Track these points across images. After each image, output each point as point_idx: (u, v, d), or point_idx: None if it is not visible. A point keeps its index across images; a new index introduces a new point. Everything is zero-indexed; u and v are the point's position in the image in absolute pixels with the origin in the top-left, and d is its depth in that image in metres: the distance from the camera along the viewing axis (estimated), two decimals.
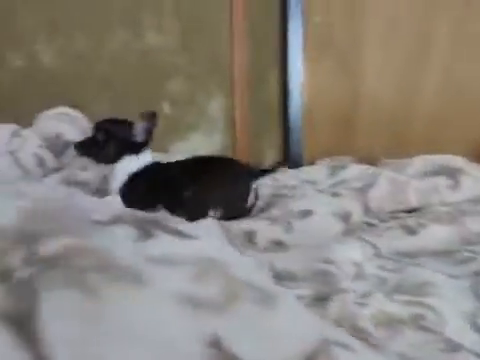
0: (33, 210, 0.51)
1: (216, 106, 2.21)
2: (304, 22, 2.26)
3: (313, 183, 1.67)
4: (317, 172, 1.75)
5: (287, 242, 1.19)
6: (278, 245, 1.18)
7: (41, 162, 1.67)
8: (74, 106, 1.97)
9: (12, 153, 1.64)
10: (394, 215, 1.42)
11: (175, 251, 0.50)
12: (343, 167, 1.69)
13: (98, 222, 0.52)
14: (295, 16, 2.23)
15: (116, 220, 0.53)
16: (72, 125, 1.83)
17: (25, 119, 1.90)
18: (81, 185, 1.66)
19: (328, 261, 0.85)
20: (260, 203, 1.53)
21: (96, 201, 0.60)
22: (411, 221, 1.32)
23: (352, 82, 2.33)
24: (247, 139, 2.27)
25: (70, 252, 0.44)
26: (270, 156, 2.35)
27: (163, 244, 0.52)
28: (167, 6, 2.10)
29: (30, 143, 1.68)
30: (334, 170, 1.69)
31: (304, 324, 0.46)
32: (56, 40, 2.07)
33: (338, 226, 1.33)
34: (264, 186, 1.73)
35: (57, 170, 1.74)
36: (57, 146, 1.75)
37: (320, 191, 1.55)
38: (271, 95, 2.30)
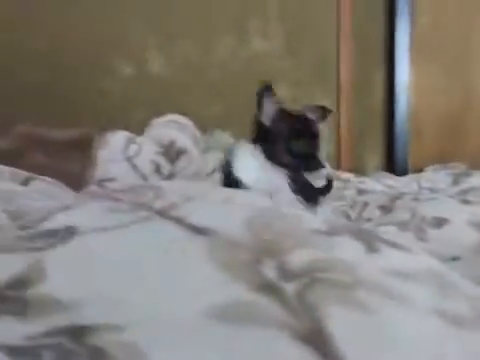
0: (254, 220, 0.50)
1: None
2: (411, 22, 2.17)
3: (434, 190, 1.59)
4: (436, 178, 1.67)
5: None
6: None
7: (157, 168, 1.71)
8: (183, 113, 2.01)
9: (129, 159, 1.69)
10: None
11: (404, 265, 0.47)
12: (467, 174, 1.60)
13: (321, 233, 0.50)
14: (403, 16, 2.15)
15: (334, 231, 0.51)
16: (183, 132, 1.86)
17: (134, 127, 1.96)
18: None
19: None
20: (375, 204, 1.48)
21: (300, 211, 0.58)
22: None
23: (462, 84, 2.22)
24: (351, 144, 2.21)
25: (317, 266, 0.42)
26: (373, 162, 2.28)
27: (392, 258, 0.49)
28: (272, 11, 2.10)
29: (147, 150, 1.73)
30: (457, 177, 1.60)
31: None
32: (165, 48, 2.11)
33: (474, 236, 1.25)
34: (373, 193, 1.67)
35: (171, 177, 1.78)
36: (171, 153, 1.78)
37: (449, 197, 1.47)
38: (376, 98, 2.24)
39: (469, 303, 0.44)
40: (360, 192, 1.67)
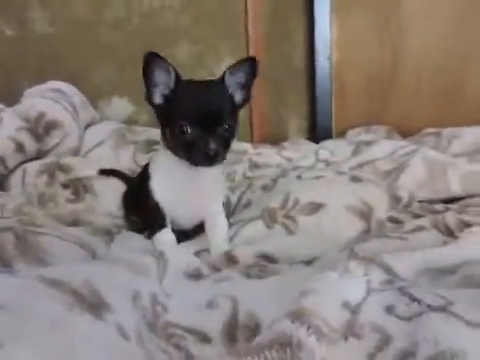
0: None
1: None
2: None
3: (330, 163, 1.38)
4: (340, 149, 1.45)
5: (277, 254, 0.92)
6: (265, 259, 0.91)
7: (20, 147, 1.46)
8: (72, 78, 1.76)
9: None
10: (429, 207, 1.11)
11: None
12: (370, 143, 1.38)
13: None
14: None
15: None
16: (59, 102, 1.60)
17: (17, 95, 1.71)
18: (65, 171, 1.46)
19: (302, 314, 0.57)
20: (259, 183, 1.26)
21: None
22: (451, 217, 1.01)
23: (390, 36, 1.96)
24: (266, 107, 1.97)
25: None
26: (295, 125, 2.05)
27: None
28: None
29: (7, 126, 1.47)
30: (358, 147, 1.38)
31: None
32: (50, 5, 1.85)
33: (355, 226, 1.04)
34: (267, 166, 1.46)
35: (40, 155, 1.54)
36: (38, 128, 1.52)
37: (339, 173, 1.25)
38: (296, 55, 1.98)
39: None
40: (252, 167, 1.45)
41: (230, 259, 0.88)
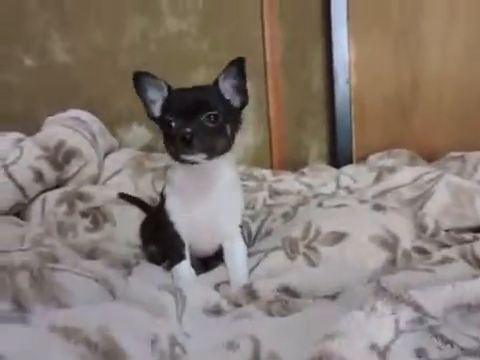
0: None
1: None
2: None
3: (351, 191, 1.35)
4: (361, 175, 1.41)
5: (300, 288, 0.89)
6: (287, 293, 0.87)
7: (39, 176, 1.46)
8: (90, 106, 1.78)
9: (6, 167, 1.44)
10: (457, 236, 1.07)
11: None
12: (393, 170, 1.35)
13: None
14: None
15: None
16: (78, 130, 1.61)
17: (39, 124, 1.73)
18: (85, 200, 1.46)
19: (328, 354, 0.54)
20: (279, 211, 1.23)
21: None
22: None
23: (409, 57, 1.94)
24: (285, 131, 1.96)
25: None
26: (315, 150, 2.03)
27: None
28: None
29: (27, 155, 1.48)
30: (381, 173, 1.35)
31: None
32: (68, 35, 1.87)
33: (380, 256, 1.01)
34: (288, 194, 1.43)
35: (60, 184, 1.53)
36: (58, 156, 1.52)
37: (362, 201, 1.21)
38: (313, 78, 1.97)
39: None
40: (272, 194, 1.43)
41: (251, 294, 0.86)
